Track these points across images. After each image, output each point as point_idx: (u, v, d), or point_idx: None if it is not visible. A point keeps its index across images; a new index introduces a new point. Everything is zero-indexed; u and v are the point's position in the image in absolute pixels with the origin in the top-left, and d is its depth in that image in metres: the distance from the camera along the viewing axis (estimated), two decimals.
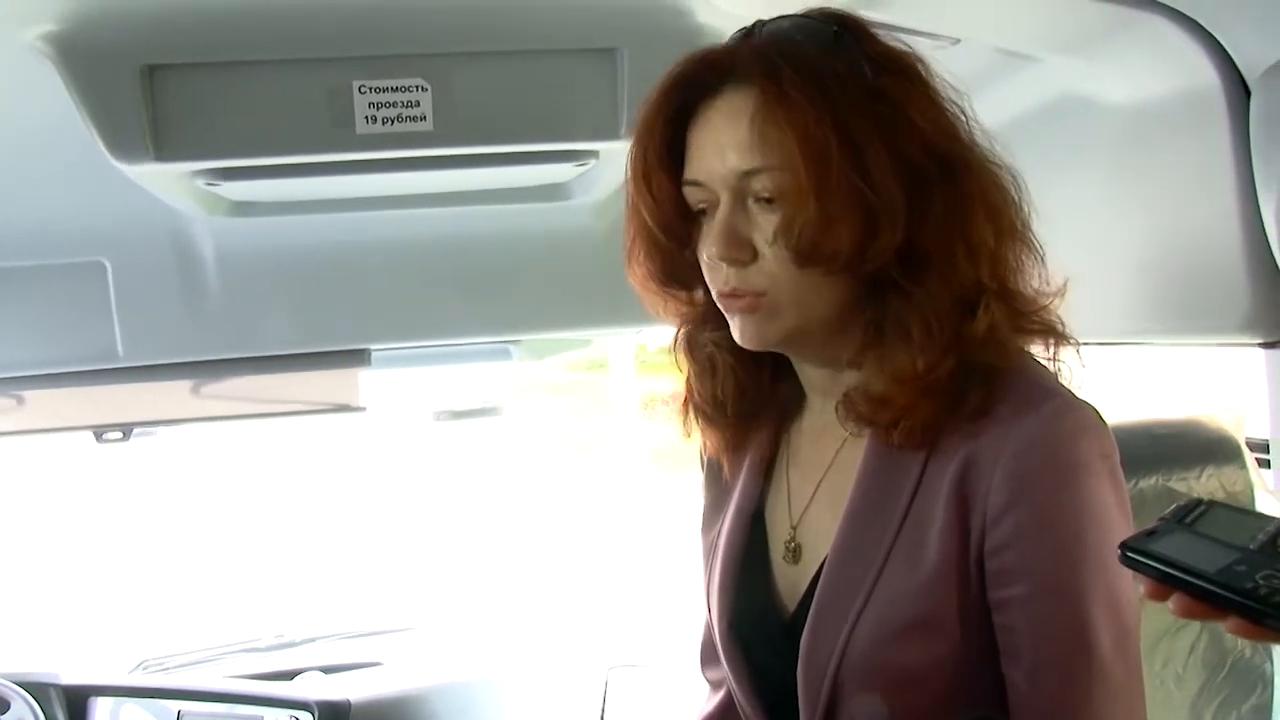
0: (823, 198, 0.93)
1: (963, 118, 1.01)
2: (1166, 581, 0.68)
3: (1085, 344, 1.05)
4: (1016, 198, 1.01)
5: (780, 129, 0.94)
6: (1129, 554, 0.70)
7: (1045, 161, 1.39)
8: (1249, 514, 0.73)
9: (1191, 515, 0.73)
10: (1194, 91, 1.18)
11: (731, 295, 1.00)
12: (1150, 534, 0.71)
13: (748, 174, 0.97)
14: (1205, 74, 1.16)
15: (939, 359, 0.97)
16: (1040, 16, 1.21)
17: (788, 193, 0.95)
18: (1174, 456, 1.41)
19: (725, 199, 0.99)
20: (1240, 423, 1.45)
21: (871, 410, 1.00)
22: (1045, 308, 1.02)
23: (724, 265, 0.99)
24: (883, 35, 1.02)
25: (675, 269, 1.07)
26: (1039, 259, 1.02)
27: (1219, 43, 1.14)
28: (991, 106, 1.41)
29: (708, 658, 1.24)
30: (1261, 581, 0.65)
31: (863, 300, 1.00)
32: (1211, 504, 0.74)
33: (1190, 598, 0.67)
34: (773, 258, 0.98)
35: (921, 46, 1.22)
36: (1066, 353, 1.03)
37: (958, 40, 1.27)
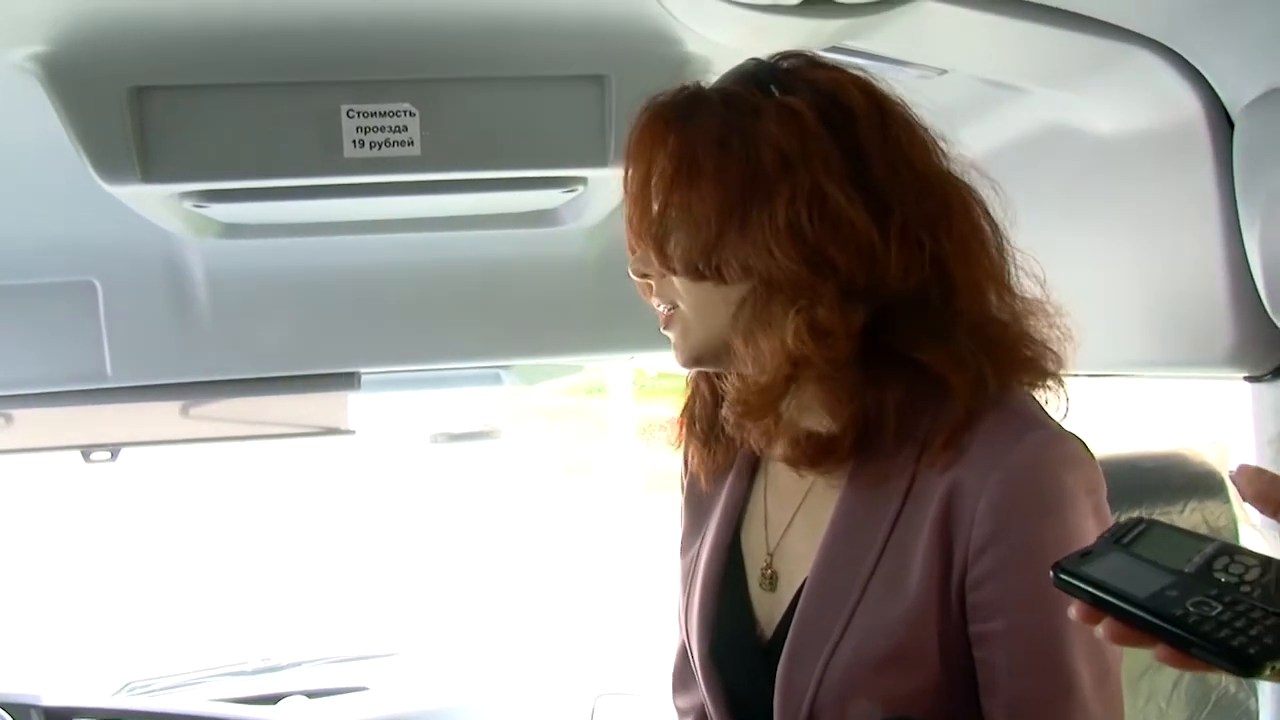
0: (660, 210, 1.03)
1: (896, 133, 1.02)
2: (1098, 605, 0.66)
3: (1073, 376, 1.05)
4: (954, 221, 1.02)
5: (637, 158, 1.05)
6: (1061, 576, 0.68)
7: (1030, 191, 1.39)
8: (1188, 535, 0.71)
9: (1130, 535, 0.71)
10: (1178, 124, 1.19)
11: (661, 314, 1.09)
12: (1086, 555, 0.69)
13: (634, 197, 1.07)
14: (1189, 107, 1.16)
15: (766, 371, 1.00)
16: (1025, 48, 1.21)
17: (639, 209, 1.06)
18: (1157, 490, 1.40)
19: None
20: (1224, 457, 1.45)
21: (738, 429, 1.07)
22: (1023, 340, 1.01)
23: (650, 284, 1.09)
24: (845, 65, 1.05)
25: None
26: (1001, 287, 1.02)
27: (1203, 76, 1.15)
28: (977, 136, 1.43)
29: (680, 684, 1.23)
30: (1192, 609, 0.63)
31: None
32: (1151, 523, 0.72)
33: (1120, 623, 0.65)
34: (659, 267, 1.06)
35: (908, 77, 1.23)
36: (1053, 382, 1.03)
37: (944, 71, 1.28)
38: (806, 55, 1.06)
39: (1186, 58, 1.14)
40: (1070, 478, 0.96)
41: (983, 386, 0.97)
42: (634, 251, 1.09)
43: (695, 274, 1.02)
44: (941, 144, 1.05)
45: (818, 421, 1.02)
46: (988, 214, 1.04)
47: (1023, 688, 0.94)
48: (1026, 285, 1.05)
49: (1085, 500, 0.96)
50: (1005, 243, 1.04)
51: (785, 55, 1.06)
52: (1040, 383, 1.02)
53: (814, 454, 1.01)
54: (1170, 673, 1.42)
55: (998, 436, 0.96)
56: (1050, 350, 1.03)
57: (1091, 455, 0.98)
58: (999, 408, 0.98)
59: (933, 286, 0.99)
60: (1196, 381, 1.37)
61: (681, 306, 1.06)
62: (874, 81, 1.04)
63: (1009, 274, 1.04)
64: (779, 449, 1.05)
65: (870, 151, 1.00)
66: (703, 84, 1.07)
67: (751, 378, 1.01)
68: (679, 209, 1.02)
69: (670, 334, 1.09)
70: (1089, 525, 0.95)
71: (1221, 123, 1.15)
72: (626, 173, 1.08)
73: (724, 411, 1.07)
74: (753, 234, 0.98)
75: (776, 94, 1.01)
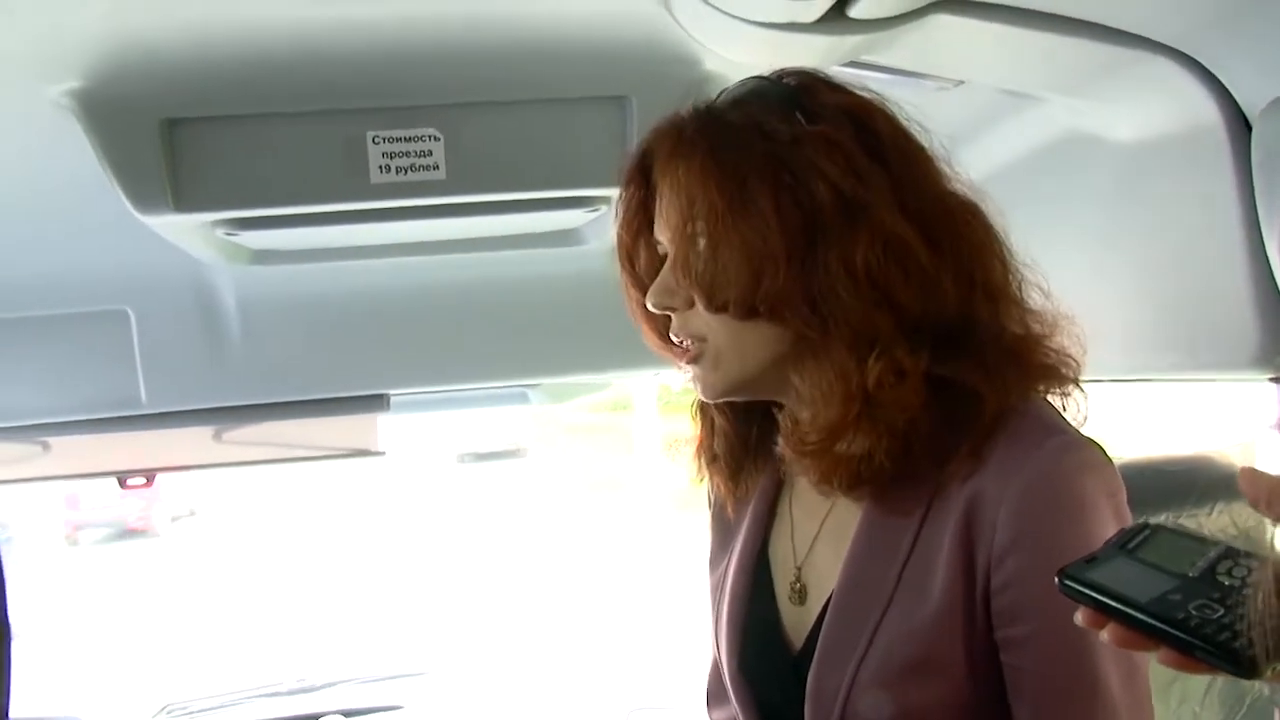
0: (710, 247, 0.99)
1: (920, 159, 1.03)
2: (1102, 610, 0.67)
3: (1092, 381, 1.06)
4: (988, 244, 1.02)
5: (674, 187, 1.01)
6: (1066, 582, 0.69)
7: (1050, 199, 1.40)
8: (1193, 539, 0.72)
9: (1135, 541, 0.72)
10: (1196, 129, 1.19)
11: (680, 347, 1.06)
12: (1091, 561, 0.71)
13: (675, 229, 1.03)
14: (1207, 111, 1.17)
15: (834, 410, 0.98)
16: (1042, 58, 1.22)
17: (683, 244, 1.02)
18: (1185, 493, 1.40)
19: (671, 253, 1.05)
20: (1252, 458, 1.44)
21: (794, 462, 1.04)
22: (1039, 348, 1.02)
23: (670, 316, 1.06)
24: (852, 86, 1.05)
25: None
26: (1016, 302, 1.03)
27: (1219, 81, 1.15)
28: (995, 146, 1.44)
29: (714, 698, 1.24)
30: (1194, 612, 0.64)
31: (796, 347, 1.02)
32: (1157, 528, 0.73)
33: (1124, 627, 0.66)
34: (703, 307, 1.02)
35: (925, 89, 1.24)
36: (1075, 391, 1.04)
37: (960, 82, 1.29)
38: (809, 73, 1.06)
39: (1203, 63, 1.15)
40: (1090, 483, 0.97)
41: (1006, 397, 0.98)
42: (644, 287, 1.07)
43: (748, 314, 1.00)
44: (945, 165, 1.06)
45: (859, 448, 1.00)
46: (992, 225, 1.05)
47: (1050, 690, 0.95)
48: (1035, 293, 1.06)
49: (1105, 505, 0.96)
50: (1011, 252, 1.05)
51: (786, 73, 1.06)
52: (1058, 389, 1.03)
53: (852, 480, 1.01)
54: (1203, 676, 1.41)
55: (1017, 444, 0.97)
56: (1067, 357, 1.04)
57: (1110, 460, 0.99)
58: (1018, 416, 0.99)
59: (977, 309, 1.00)
60: (1223, 384, 1.37)
61: (713, 341, 1.04)
62: (887, 104, 1.05)
63: (1019, 283, 1.05)
64: (819, 477, 1.03)
65: (905, 181, 1.01)
66: (713, 105, 1.06)
67: (818, 417, 1.00)
68: (734, 248, 0.98)
69: (695, 368, 1.06)
70: (1110, 529, 0.94)
71: (1239, 126, 1.16)
72: (659, 202, 1.05)
73: (780, 449, 1.06)
74: (818, 276, 0.97)
75: (804, 121, 1.00)
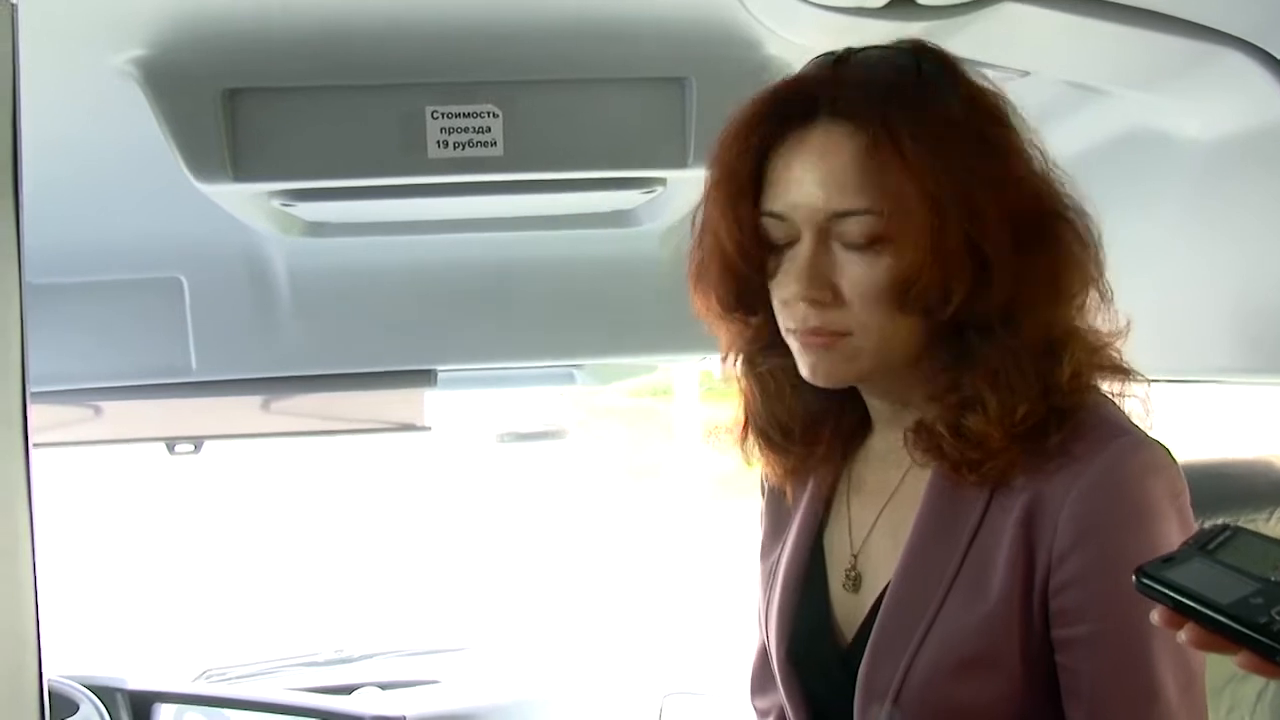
0: (939, 249, 0.92)
1: (1043, 158, 1.01)
2: (1181, 611, 0.66)
3: (1160, 381, 1.04)
4: (1095, 244, 1.01)
5: (894, 175, 0.92)
6: (1144, 580, 0.68)
7: (1118, 195, 1.38)
8: (1273, 543, 0.70)
9: (1214, 542, 0.71)
10: (1269, 125, 1.17)
11: (812, 333, 0.98)
12: (1169, 560, 0.69)
13: (840, 215, 0.95)
14: None
15: (1034, 404, 0.95)
16: (1111, 50, 1.19)
17: (895, 241, 0.94)
18: (1243, 497, 1.38)
19: (808, 237, 0.97)
20: None
21: (959, 449, 0.97)
22: (1110, 346, 1.01)
23: (803, 305, 0.97)
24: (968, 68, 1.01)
25: (744, 294, 1.05)
26: (1107, 303, 1.02)
27: None
28: (1061, 139, 1.40)
29: (759, 686, 1.23)
30: (1277, 616, 0.63)
31: (942, 340, 0.99)
32: (1236, 530, 0.72)
33: (1203, 629, 0.65)
34: (861, 302, 0.96)
35: (990, 79, 1.22)
36: (1138, 391, 1.02)
37: (1026, 73, 1.27)
38: (947, 55, 1.00)
39: (1277, 57, 1.12)
40: (1153, 483, 0.95)
41: (1077, 396, 0.97)
42: (720, 246, 1.01)
43: (934, 318, 0.96)
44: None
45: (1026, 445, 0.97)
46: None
47: (1107, 694, 0.93)
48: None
49: (1169, 506, 0.95)
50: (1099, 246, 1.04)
51: (917, 48, 0.99)
52: (1123, 388, 1.02)
53: (1005, 473, 0.98)
54: (1254, 683, 1.39)
55: (1081, 442, 0.95)
56: (1119, 352, 1.02)
57: (1174, 461, 0.97)
58: (1082, 416, 0.97)
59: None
60: None
61: (860, 337, 0.97)
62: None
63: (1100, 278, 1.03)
64: (977, 473, 0.98)
65: (1055, 181, 1.02)
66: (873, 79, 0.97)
67: (1004, 414, 0.96)
68: (940, 254, 0.93)
69: (821, 354, 0.99)
70: (1173, 531, 0.93)
71: None
72: (805, 172, 0.96)
73: (955, 451, 0.98)
74: (1009, 282, 0.95)
75: (974, 116, 0.97)
